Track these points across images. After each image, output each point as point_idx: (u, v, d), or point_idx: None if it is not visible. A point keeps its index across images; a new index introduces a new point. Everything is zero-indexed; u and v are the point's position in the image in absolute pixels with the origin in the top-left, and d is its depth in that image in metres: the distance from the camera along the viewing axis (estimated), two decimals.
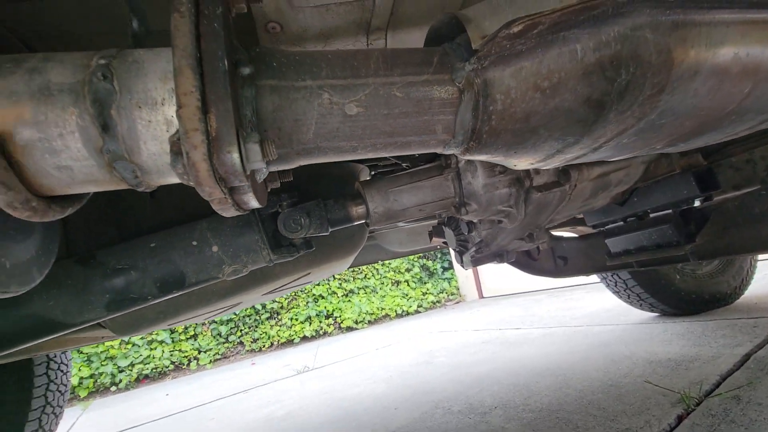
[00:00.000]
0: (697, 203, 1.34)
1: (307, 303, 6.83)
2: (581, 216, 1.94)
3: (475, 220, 1.41)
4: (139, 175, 0.44)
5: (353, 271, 7.53)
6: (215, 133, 0.38)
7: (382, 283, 7.64)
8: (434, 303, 7.86)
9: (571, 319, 3.66)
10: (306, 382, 3.50)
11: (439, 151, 0.59)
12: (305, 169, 0.89)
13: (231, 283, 1.28)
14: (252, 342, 6.30)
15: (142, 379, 5.59)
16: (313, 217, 1.09)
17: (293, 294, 6.77)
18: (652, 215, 1.55)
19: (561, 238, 2.09)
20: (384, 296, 7.48)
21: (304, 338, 6.59)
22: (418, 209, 1.20)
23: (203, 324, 6.15)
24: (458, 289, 8.22)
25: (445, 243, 1.76)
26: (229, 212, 0.48)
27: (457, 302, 8.01)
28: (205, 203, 1.20)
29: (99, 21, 0.86)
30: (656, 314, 2.91)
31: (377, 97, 0.50)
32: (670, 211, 1.48)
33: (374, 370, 3.35)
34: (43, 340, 1.04)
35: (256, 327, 6.40)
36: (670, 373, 1.78)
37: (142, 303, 1.05)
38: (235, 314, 6.34)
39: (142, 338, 5.69)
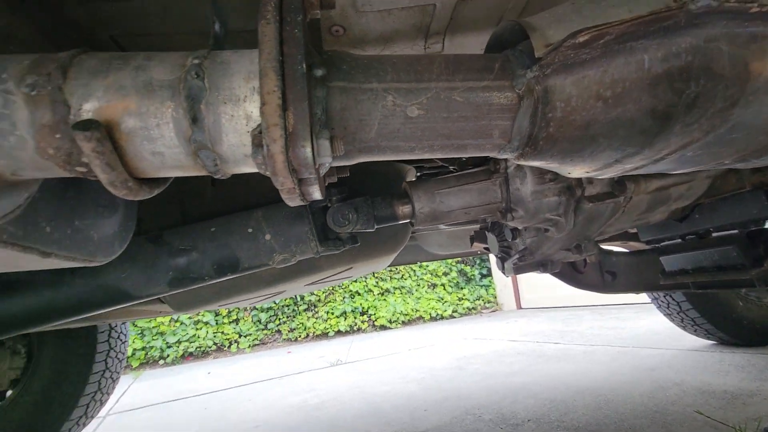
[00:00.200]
0: None
1: (343, 298, 6.96)
2: (634, 231, 1.85)
3: (520, 227, 1.39)
4: (218, 164, 0.49)
5: (390, 270, 7.57)
6: (292, 129, 0.42)
7: (419, 285, 7.63)
8: (470, 309, 7.73)
9: (616, 338, 3.48)
10: (339, 375, 3.58)
11: (493, 155, 0.60)
12: (354, 167, 0.93)
13: (279, 271, 1.35)
14: (289, 331, 6.52)
15: (186, 356, 5.95)
16: (360, 213, 1.12)
17: (331, 288, 6.93)
18: (714, 234, 1.45)
19: (610, 251, 2.00)
20: (419, 298, 7.47)
21: (339, 332, 6.72)
22: (464, 212, 1.20)
23: (245, 310, 6.44)
24: (495, 297, 8.04)
25: (486, 249, 1.75)
26: (294, 201, 0.52)
27: (494, 311, 7.83)
28: (259, 194, 1.27)
29: (180, 22, 0.94)
30: (712, 342, 2.70)
31: (438, 100, 0.52)
32: (736, 231, 1.38)
33: (406, 371, 3.37)
34: (113, 308, 1.15)
35: (294, 317, 6.62)
36: (724, 405, 1.66)
37: (199, 282, 1.14)
38: (275, 303, 6.59)
39: (189, 318, 6.06)
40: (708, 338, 2.62)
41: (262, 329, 6.44)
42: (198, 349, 5.99)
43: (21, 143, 0.45)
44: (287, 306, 6.66)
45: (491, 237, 1.56)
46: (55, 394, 2.14)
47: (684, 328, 2.61)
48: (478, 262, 8.26)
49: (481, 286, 8.08)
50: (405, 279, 7.60)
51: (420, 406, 2.32)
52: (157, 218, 1.22)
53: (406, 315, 7.18)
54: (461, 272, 8.11)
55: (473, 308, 7.78)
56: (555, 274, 1.85)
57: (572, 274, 2.15)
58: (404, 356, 4.11)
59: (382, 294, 7.27)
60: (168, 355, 5.80)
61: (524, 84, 0.52)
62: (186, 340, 5.93)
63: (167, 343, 5.82)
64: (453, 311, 7.55)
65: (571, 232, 1.26)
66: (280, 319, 6.54)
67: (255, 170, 0.53)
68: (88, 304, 1.08)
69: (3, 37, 0.75)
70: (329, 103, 0.49)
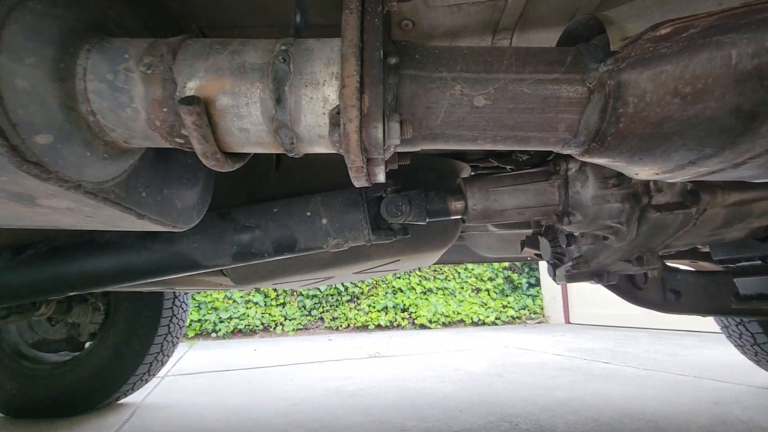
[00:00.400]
0: None
1: (386, 293, 7.04)
2: (706, 249, 1.71)
3: (576, 233, 1.34)
4: (294, 142, 0.54)
5: (434, 270, 7.53)
6: (366, 110, 0.45)
7: (462, 288, 7.52)
8: (514, 318, 7.50)
9: (675, 365, 3.23)
10: (376, 367, 3.64)
11: (557, 149, 0.59)
12: (410, 161, 0.96)
13: (331, 255, 1.41)
14: (331, 320, 6.71)
15: (236, 332, 6.34)
16: (413, 205, 1.15)
17: (374, 282, 7.03)
18: None
19: (676, 269, 1.86)
20: (462, 301, 7.36)
21: (378, 326, 6.81)
22: (518, 212, 1.19)
23: (291, 294, 6.73)
24: (542, 308, 7.72)
25: (537, 255, 1.70)
26: (360, 181, 0.56)
27: (539, 322, 7.53)
28: (317, 180, 1.33)
29: (262, 16, 1.01)
30: None
31: (505, 91, 0.53)
32: None
33: (444, 371, 3.36)
34: (183, 275, 1.27)
35: (337, 307, 6.80)
36: None
37: (259, 258, 1.23)
38: (319, 291, 6.82)
39: (241, 297, 6.45)
40: None
41: (306, 315, 6.69)
42: (246, 326, 6.35)
43: (135, 115, 0.52)
44: (331, 295, 6.86)
45: (544, 242, 1.52)
46: (125, 350, 2.39)
47: (758, 362, 2.36)
48: (526, 270, 7.98)
49: (528, 295, 7.80)
50: (449, 280, 7.52)
51: (455, 406, 2.31)
52: (228, 196, 1.32)
53: (447, 317, 7.11)
54: (507, 279, 7.87)
55: (517, 317, 7.53)
56: (611, 288, 1.75)
57: (630, 289, 2.02)
58: (442, 356, 4.09)
59: (425, 293, 7.25)
60: (220, 329, 6.21)
61: (596, 78, 0.52)
62: (236, 317, 6.32)
63: (220, 318, 6.24)
64: (496, 318, 7.36)
65: (633, 242, 1.20)
66: (323, 307, 6.76)
67: (325, 150, 0.57)
68: (164, 268, 1.20)
69: (115, 25, 0.86)
70: (400, 90, 0.52)
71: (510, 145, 0.58)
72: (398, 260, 1.57)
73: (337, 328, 6.69)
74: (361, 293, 6.99)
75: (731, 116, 0.48)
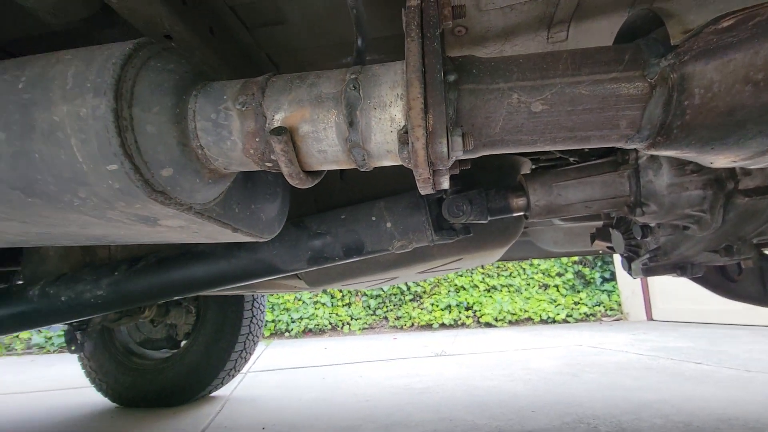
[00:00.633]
0: None
1: (448, 292, 7.00)
2: None
3: (652, 224, 1.27)
4: (366, 159, 0.61)
5: (498, 266, 7.34)
6: (431, 128, 0.50)
7: (528, 285, 7.24)
8: (587, 315, 7.06)
9: None
10: (442, 365, 3.66)
11: (619, 146, 0.60)
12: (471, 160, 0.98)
13: (396, 256, 1.47)
14: (395, 319, 6.83)
15: (306, 332, 6.70)
16: (474, 204, 1.17)
17: (436, 281, 7.03)
18: None
19: None
20: (529, 298, 7.09)
21: (443, 325, 6.80)
22: (584, 205, 1.16)
23: (356, 294, 6.95)
24: (620, 304, 7.18)
25: (609, 248, 1.62)
26: (426, 190, 0.61)
27: (617, 319, 7.02)
28: (377, 186, 1.40)
29: (322, 37, 1.10)
30: None
31: (563, 95, 0.55)
32: None
33: (513, 369, 3.28)
34: (263, 279, 1.41)
35: (401, 306, 6.91)
36: None
37: (330, 262, 1.32)
38: (383, 291, 6.96)
39: (309, 298, 6.80)
40: None
41: (371, 314, 6.87)
42: (316, 326, 6.68)
43: (233, 146, 0.62)
44: (394, 295, 6.98)
45: (616, 234, 1.45)
46: (214, 348, 2.66)
47: None
48: (599, 264, 7.47)
49: (603, 290, 7.29)
50: (513, 277, 7.29)
51: (526, 406, 2.27)
52: (299, 206, 1.44)
53: (514, 314, 6.89)
54: (578, 274, 7.43)
55: (592, 314, 7.08)
56: (699, 281, 1.62)
57: (721, 282, 1.84)
58: (510, 355, 3.99)
59: (489, 290, 7.10)
60: (292, 329, 6.61)
61: (657, 73, 0.52)
62: (306, 318, 6.68)
63: (292, 318, 6.64)
64: (567, 315, 6.98)
65: (719, 231, 1.12)
66: (387, 306, 6.89)
67: (392, 163, 0.63)
68: (249, 274, 1.34)
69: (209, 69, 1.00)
70: (460, 104, 0.57)
71: (570, 145, 0.59)
72: (461, 259, 1.59)
73: (401, 327, 6.78)
74: (424, 292, 7.02)
75: None
